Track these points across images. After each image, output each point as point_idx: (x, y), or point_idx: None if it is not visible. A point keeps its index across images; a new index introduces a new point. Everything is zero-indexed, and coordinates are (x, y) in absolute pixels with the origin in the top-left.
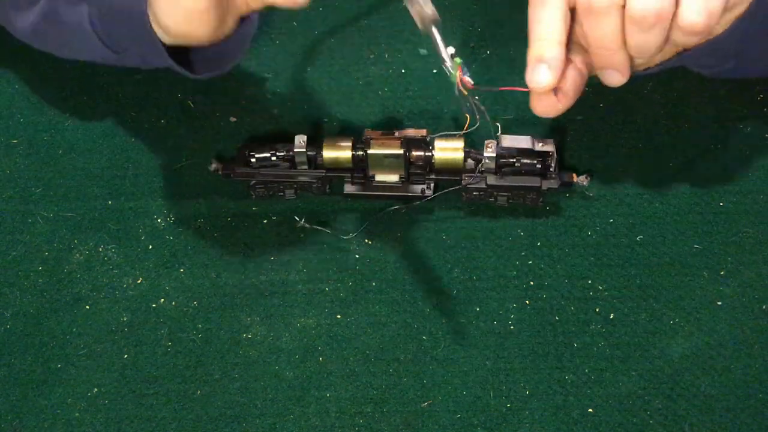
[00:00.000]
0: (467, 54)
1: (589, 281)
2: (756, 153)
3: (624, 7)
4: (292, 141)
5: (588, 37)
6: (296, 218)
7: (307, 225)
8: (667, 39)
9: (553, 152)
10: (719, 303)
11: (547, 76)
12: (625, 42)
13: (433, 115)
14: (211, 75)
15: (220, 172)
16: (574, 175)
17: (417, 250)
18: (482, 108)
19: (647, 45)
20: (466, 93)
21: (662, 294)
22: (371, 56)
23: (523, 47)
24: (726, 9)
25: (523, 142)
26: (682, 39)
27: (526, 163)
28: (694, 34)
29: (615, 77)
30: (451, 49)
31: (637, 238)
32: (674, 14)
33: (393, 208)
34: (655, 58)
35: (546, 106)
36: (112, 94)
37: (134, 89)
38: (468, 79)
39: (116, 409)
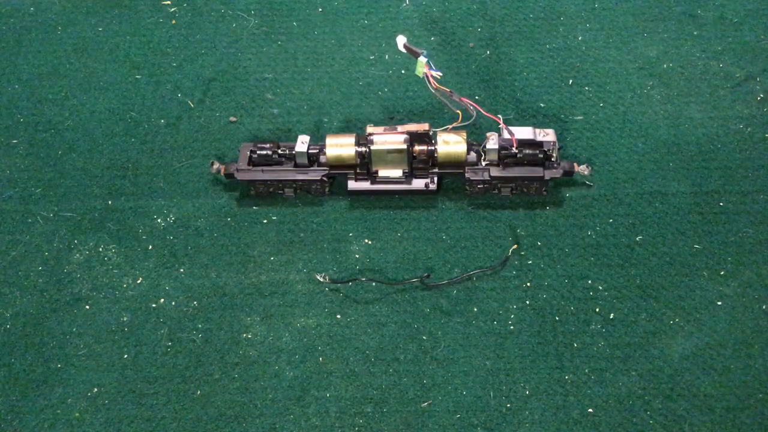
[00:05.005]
0: (467, 54)
1: (589, 281)
2: (756, 153)
3: None
4: (293, 140)
5: None
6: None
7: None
8: None
9: (554, 141)
10: (719, 303)
11: None
12: None
13: (433, 116)
14: None
15: (220, 173)
16: (576, 164)
17: (417, 250)
18: (466, 100)
19: None
20: (437, 86)
21: (662, 294)
22: (371, 57)
23: (523, 47)
24: None
25: (524, 132)
26: None
27: (529, 153)
28: None
29: None
30: (423, 51)
31: (637, 238)
32: None
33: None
34: None
35: None
36: (112, 95)
37: (134, 89)
38: (435, 73)
39: (116, 409)
